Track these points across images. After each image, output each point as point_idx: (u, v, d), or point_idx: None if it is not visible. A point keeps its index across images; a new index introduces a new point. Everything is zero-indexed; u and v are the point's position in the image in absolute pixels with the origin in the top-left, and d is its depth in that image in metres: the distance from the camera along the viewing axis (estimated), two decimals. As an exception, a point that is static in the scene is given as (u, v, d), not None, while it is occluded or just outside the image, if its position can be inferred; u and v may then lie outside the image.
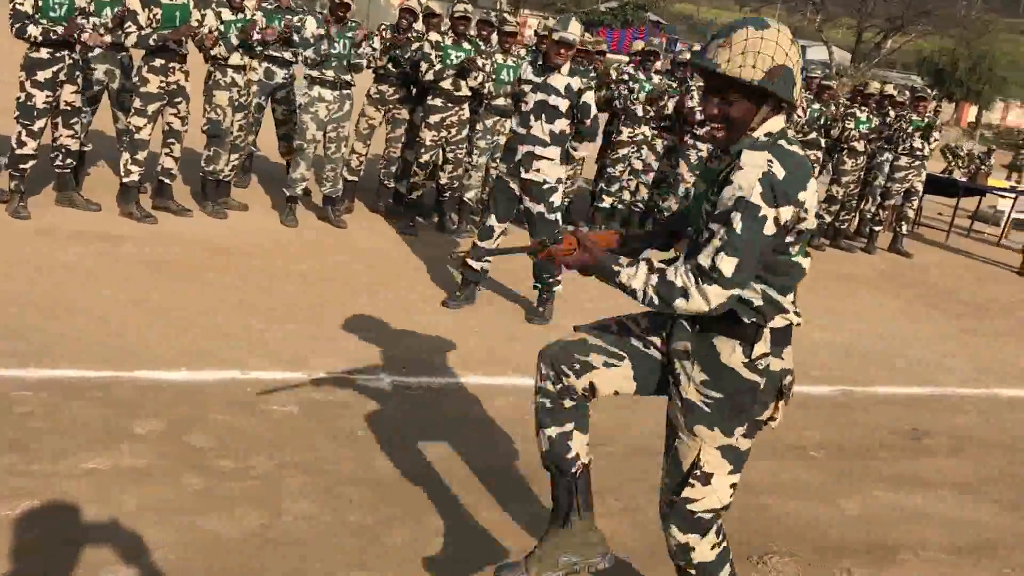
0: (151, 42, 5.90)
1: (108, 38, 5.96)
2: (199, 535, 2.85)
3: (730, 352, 2.23)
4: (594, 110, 5.47)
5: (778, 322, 2.24)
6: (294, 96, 7.38)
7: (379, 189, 7.78)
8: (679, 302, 2.11)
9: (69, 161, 6.13)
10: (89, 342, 4.17)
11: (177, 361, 4.12)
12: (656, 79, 8.24)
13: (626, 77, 8.11)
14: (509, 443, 3.88)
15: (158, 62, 6.03)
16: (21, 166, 5.81)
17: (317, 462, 3.42)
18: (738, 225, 2.05)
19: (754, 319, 2.21)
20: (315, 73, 6.66)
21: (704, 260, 2.09)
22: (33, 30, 5.51)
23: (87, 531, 2.76)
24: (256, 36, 6.44)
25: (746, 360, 2.23)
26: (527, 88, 5.37)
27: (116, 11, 5.99)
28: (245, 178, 7.73)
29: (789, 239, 2.15)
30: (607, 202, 8.40)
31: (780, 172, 2.07)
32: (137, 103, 6.08)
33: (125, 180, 6.21)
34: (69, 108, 5.91)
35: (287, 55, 7.12)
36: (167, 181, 6.52)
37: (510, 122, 5.60)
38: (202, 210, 6.69)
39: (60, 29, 5.56)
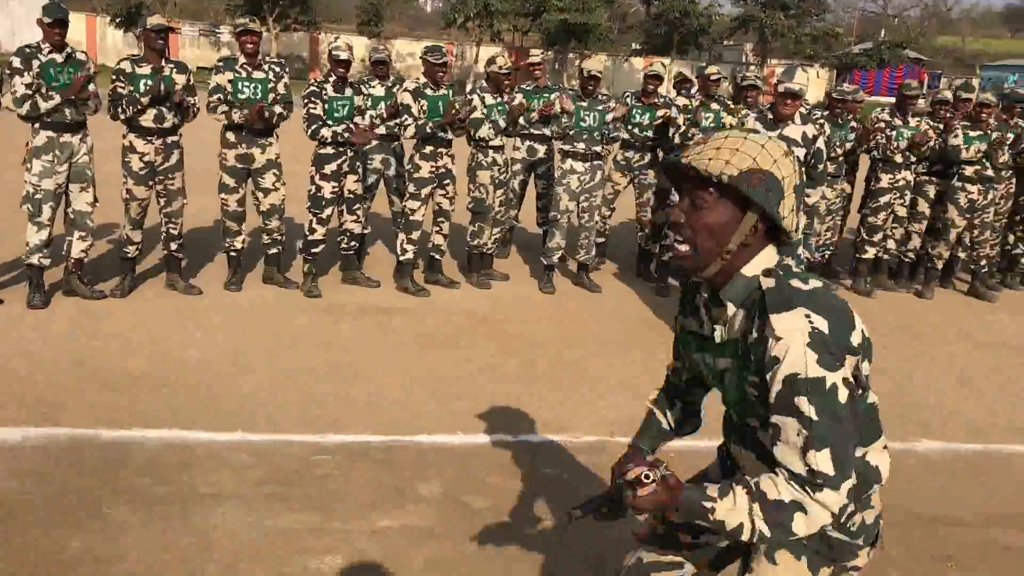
0: (427, 130, 6.43)
1: (382, 129, 6.57)
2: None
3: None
4: (826, 155, 5.44)
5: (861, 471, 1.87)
6: (553, 171, 7.73)
7: (639, 254, 7.92)
8: (799, 523, 1.68)
9: (353, 243, 6.77)
10: (372, 409, 4.54)
11: (453, 426, 4.39)
12: (914, 122, 7.80)
13: (882, 124, 7.75)
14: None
15: (428, 149, 6.55)
16: (313, 250, 6.50)
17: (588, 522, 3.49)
18: (810, 411, 1.66)
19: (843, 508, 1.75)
20: (567, 147, 6.96)
21: (797, 467, 1.68)
22: (326, 132, 6.20)
23: (381, 585, 3.00)
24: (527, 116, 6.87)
25: (833, 527, 1.87)
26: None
27: (388, 103, 6.59)
28: (505, 249, 8.15)
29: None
30: (870, 252, 8.00)
31: (823, 324, 1.67)
32: (411, 188, 6.62)
33: (401, 258, 6.75)
34: (352, 196, 6.55)
35: (547, 132, 7.47)
36: (437, 257, 7.01)
37: None
38: (468, 281, 7.12)
39: (347, 134, 6.21)
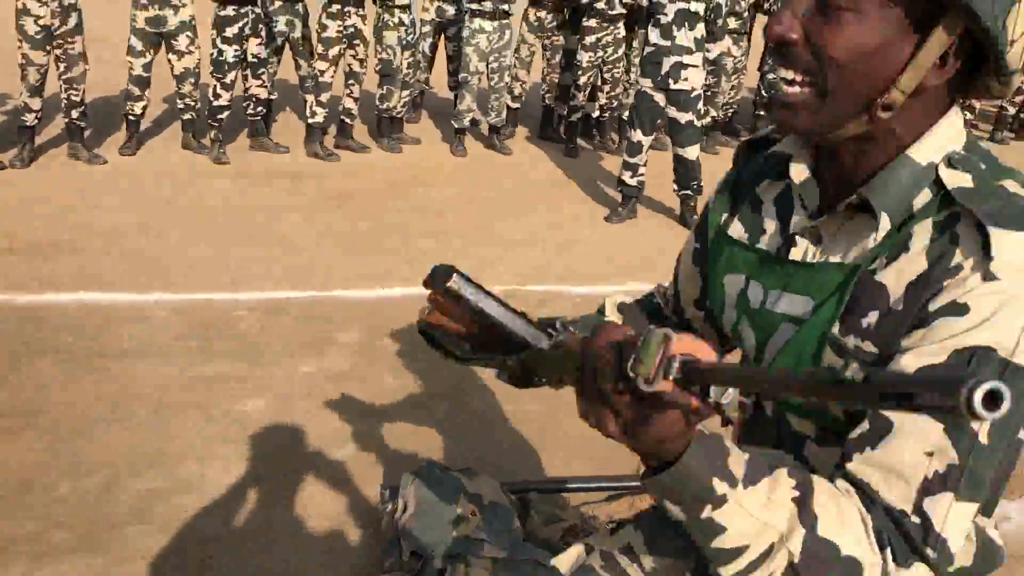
0: None
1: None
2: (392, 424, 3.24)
3: None
4: (725, 10, 5.65)
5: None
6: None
7: (543, 114, 8.00)
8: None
9: (259, 109, 6.68)
10: (288, 267, 4.65)
11: (369, 282, 4.54)
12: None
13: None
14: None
15: (335, 8, 6.44)
16: (219, 116, 6.40)
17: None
18: (983, 429, 0.89)
19: None
20: (474, 6, 6.90)
21: (900, 504, 0.90)
22: (222, -12, 6.02)
23: (307, 422, 3.19)
24: None
25: None
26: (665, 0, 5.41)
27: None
28: (416, 113, 8.13)
29: None
30: (773, 110, 8.24)
31: None
32: (319, 48, 6.53)
33: (310, 121, 6.71)
34: (256, 59, 6.42)
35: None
36: (348, 121, 6.98)
37: (648, 33, 5.60)
38: (379, 146, 7.13)
39: None
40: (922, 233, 0.94)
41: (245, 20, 6.21)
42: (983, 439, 0.89)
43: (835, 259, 1.00)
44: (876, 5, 0.91)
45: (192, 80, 6.30)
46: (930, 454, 0.88)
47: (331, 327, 3.99)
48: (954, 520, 0.89)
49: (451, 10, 7.55)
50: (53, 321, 3.84)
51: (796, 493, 0.87)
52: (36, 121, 5.93)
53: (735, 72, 8.00)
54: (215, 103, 6.36)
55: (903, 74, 0.92)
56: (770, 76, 7.46)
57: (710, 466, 0.84)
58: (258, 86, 6.55)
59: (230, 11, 6.15)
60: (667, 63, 5.46)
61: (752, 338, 1.11)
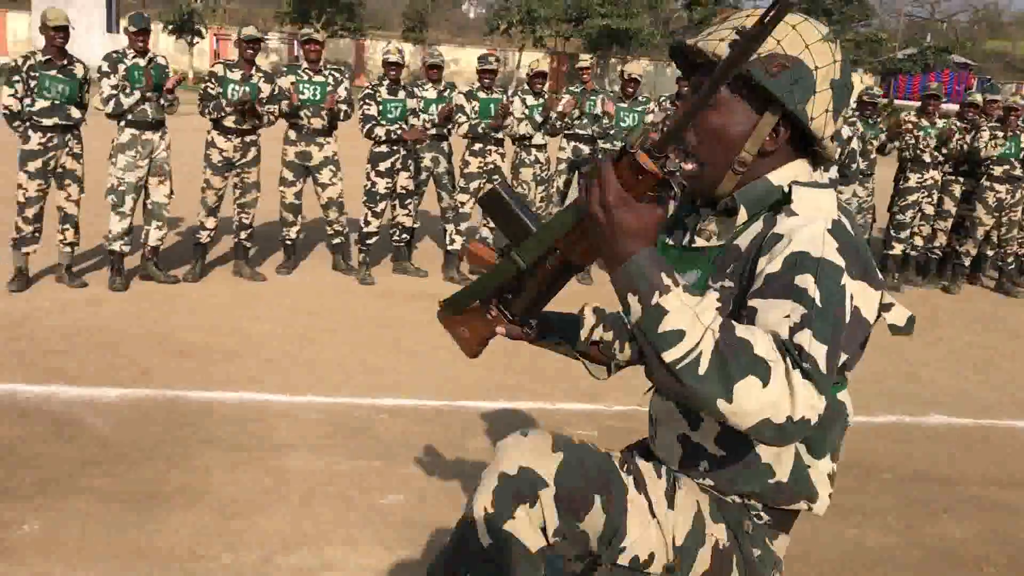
0: (479, 130, 6.93)
1: (433, 130, 7.07)
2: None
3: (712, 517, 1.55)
4: (859, 154, 5.84)
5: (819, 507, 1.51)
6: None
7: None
8: (743, 387, 1.15)
9: (404, 236, 7.27)
10: (425, 378, 5.00)
11: (497, 395, 4.84)
12: (940, 123, 8.11)
13: (910, 125, 8.07)
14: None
15: (478, 146, 7.04)
16: (367, 242, 6.99)
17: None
18: (815, 293, 1.23)
19: (750, 488, 1.49)
20: (607, 146, 7.41)
21: (784, 334, 1.22)
22: (379, 131, 6.70)
23: (440, 517, 3.45)
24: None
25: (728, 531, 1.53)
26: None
27: (442, 107, 7.09)
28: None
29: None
30: (898, 249, 8.32)
31: (850, 227, 1.36)
32: (461, 182, 7.11)
33: (449, 248, 7.23)
34: (404, 191, 7.04)
35: (591, 132, 7.90)
36: (482, 248, 7.46)
37: None
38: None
39: (399, 131, 6.73)
40: (764, 216, 1.42)
41: (396, 156, 6.86)
42: (819, 303, 1.24)
43: (717, 243, 1.47)
44: (726, 99, 1.40)
45: (337, 208, 6.95)
46: (788, 315, 1.24)
47: (463, 434, 4.28)
48: (816, 348, 1.21)
49: (587, 150, 8.07)
50: (218, 415, 4.29)
51: (719, 306, 1.34)
52: (208, 239, 6.65)
53: (859, 211, 8.16)
54: (365, 229, 6.97)
55: (749, 142, 1.41)
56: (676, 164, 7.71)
57: (661, 266, 1.23)
58: (404, 215, 7.14)
59: (384, 148, 6.81)
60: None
61: None
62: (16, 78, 5.83)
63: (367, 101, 6.77)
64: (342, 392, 4.71)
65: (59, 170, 5.99)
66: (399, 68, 6.86)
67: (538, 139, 7.34)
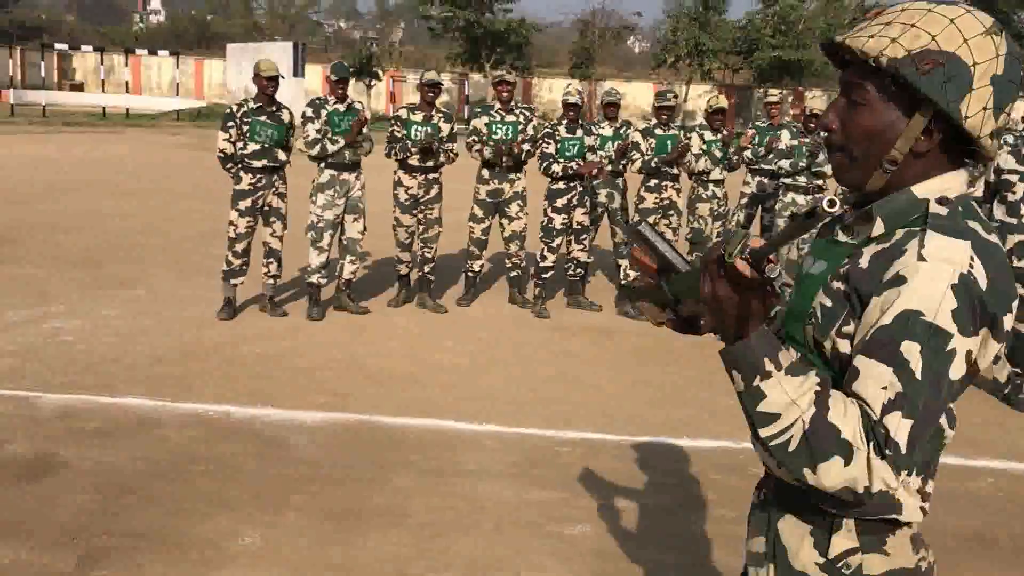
0: (652, 165, 7.01)
1: (608, 167, 7.21)
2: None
3: (799, 543, 1.50)
4: None
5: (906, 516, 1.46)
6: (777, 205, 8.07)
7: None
8: (826, 466, 1.27)
9: (578, 271, 7.40)
10: (601, 411, 5.08)
11: (676, 431, 4.86)
12: None
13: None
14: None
15: (654, 182, 7.12)
16: (543, 276, 7.17)
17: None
18: (917, 366, 1.26)
19: (832, 507, 1.43)
20: (788, 180, 7.33)
21: (876, 410, 1.28)
22: (556, 168, 6.89)
23: (629, 551, 3.51)
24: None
25: (821, 560, 1.47)
26: (1014, 178, 5.44)
27: (618, 144, 7.21)
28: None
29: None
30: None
31: (983, 276, 1.29)
32: (635, 217, 7.19)
33: (624, 283, 7.31)
34: (580, 227, 7.18)
35: (776, 167, 7.83)
36: (656, 283, 7.50)
37: (993, 210, 5.62)
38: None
39: (574, 166, 6.90)
40: (899, 233, 1.36)
41: (572, 192, 7.02)
42: (919, 376, 1.26)
43: (852, 241, 1.44)
44: (875, 97, 1.37)
45: (519, 242, 7.16)
46: (884, 388, 1.26)
47: (642, 469, 4.32)
48: (901, 431, 1.25)
49: (771, 184, 8.01)
50: (408, 441, 4.52)
51: (819, 388, 1.29)
52: (408, 271, 7.06)
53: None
54: (541, 264, 7.15)
55: (899, 142, 1.37)
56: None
57: (767, 350, 1.29)
58: (579, 250, 7.28)
59: (560, 185, 6.99)
60: (1011, 240, 5.46)
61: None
62: (231, 124, 6.38)
63: (546, 140, 6.98)
64: (524, 423, 4.85)
65: (266, 208, 6.49)
66: (577, 108, 7.03)
67: (716, 174, 7.33)
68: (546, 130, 7.05)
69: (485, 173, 7.04)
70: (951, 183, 1.39)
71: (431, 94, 6.83)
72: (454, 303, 7.27)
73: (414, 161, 6.78)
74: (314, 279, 6.64)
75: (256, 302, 6.85)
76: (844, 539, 1.45)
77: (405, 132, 6.79)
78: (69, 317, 6.33)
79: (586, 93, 32.47)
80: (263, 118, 6.38)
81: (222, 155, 6.44)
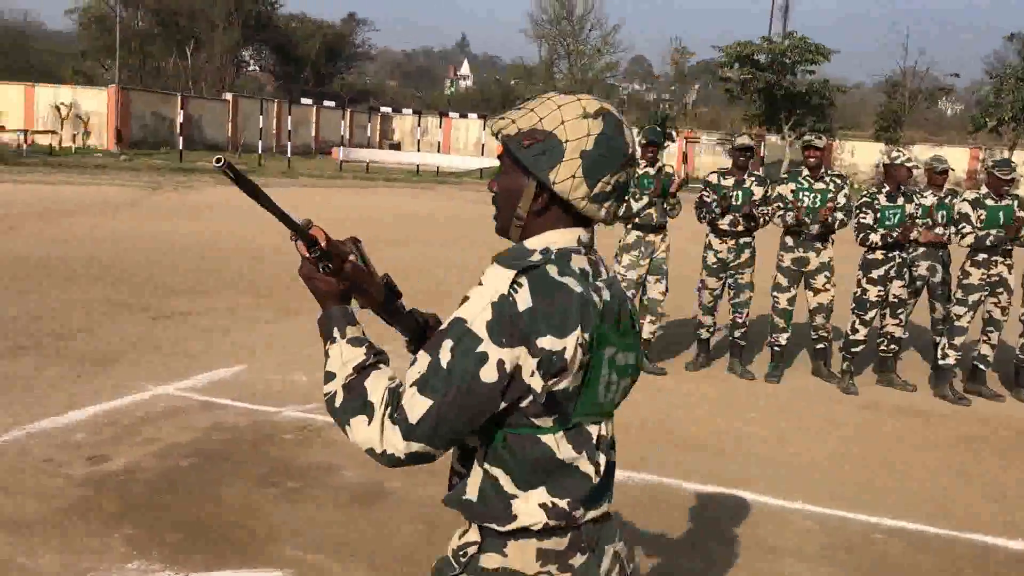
0: (987, 243, 6.49)
1: (936, 230, 6.77)
2: None
3: (457, 531, 1.76)
4: None
5: (518, 524, 1.63)
6: None
7: None
8: (357, 424, 1.56)
9: (892, 346, 6.96)
10: (923, 501, 4.70)
11: (1001, 529, 4.39)
12: None
13: None
14: None
15: (982, 257, 6.57)
16: (853, 349, 6.82)
17: None
18: (444, 357, 1.53)
19: (463, 511, 1.68)
20: None
21: (407, 384, 1.56)
22: (875, 237, 6.57)
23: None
24: None
25: (455, 546, 1.73)
26: None
27: (940, 213, 6.75)
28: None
29: (525, 403, 1.56)
30: None
31: (525, 303, 1.52)
32: (959, 294, 6.67)
33: (941, 363, 6.77)
34: (896, 300, 6.77)
35: None
36: (982, 367, 6.87)
37: None
38: (1013, 396, 6.86)
39: (894, 233, 6.53)
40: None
41: (891, 264, 6.64)
42: (443, 365, 1.52)
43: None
44: (509, 166, 1.65)
45: (825, 314, 6.86)
46: (419, 371, 1.55)
47: (975, 571, 3.94)
48: (415, 405, 1.52)
49: None
50: (712, 509, 4.44)
51: (371, 360, 1.61)
52: (709, 335, 7.04)
53: None
54: (851, 337, 6.81)
55: (521, 203, 1.64)
56: None
57: (340, 323, 1.64)
58: (894, 324, 6.85)
59: (878, 255, 6.64)
60: None
61: None
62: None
63: (864, 210, 6.67)
64: (835, 503, 4.61)
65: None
66: (910, 172, 6.66)
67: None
68: (864, 199, 6.75)
69: (789, 240, 6.86)
70: (558, 238, 1.64)
71: (743, 158, 6.79)
72: (761, 373, 7.07)
73: (724, 225, 6.76)
74: (617, 337, 6.75)
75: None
76: (472, 533, 1.69)
77: (715, 196, 6.79)
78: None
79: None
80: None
81: None
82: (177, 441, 4.82)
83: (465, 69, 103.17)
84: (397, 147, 43.85)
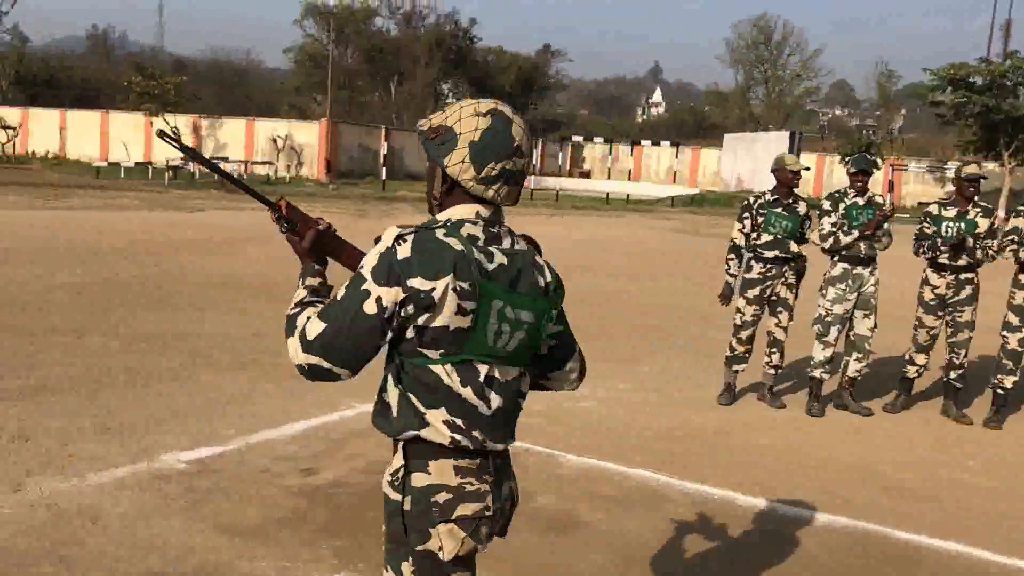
0: None
1: None
2: None
3: (386, 466, 2.13)
4: None
5: (428, 435, 2.02)
6: None
7: None
8: (288, 342, 2.02)
9: None
10: None
11: None
12: None
13: None
14: None
15: None
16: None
17: None
18: (338, 292, 1.99)
19: (383, 428, 2.08)
20: None
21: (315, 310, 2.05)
22: None
23: None
24: None
25: (389, 477, 2.09)
26: None
27: None
28: None
29: (411, 334, 1.98)
30: None
31: (404, 253, 1.95)
32: None
33: None
34: None
35: None
36: None
37: None
38: None
39: None
40: None
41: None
42: (337, 297, 1.98)
43: None
44: (428, 158, 2.06)
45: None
46: (324, 304, 2.05)
47: None
48: (312, 327, 1.97)
49: None
50: (926, 563, 4.14)
51: (309, 299, 2.09)
52: (917, 375, 6.63)
53: None
54: None
55: (435, 186, 2.07)
56: None
57: (304, 273, 2.15)
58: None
59: None
60: None
61: None
62: (746, 215, 6.55)
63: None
64: (1071, 568, 4.18)
65: (773, 298, 6.52)
66: None
67: None
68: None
69: (1022, 279, 6.33)
70: (459, 212, 2.03)
71: (971, 189, 6.35)
72: (981, 421, 6.55)
73: (943, 259, 6.35)
74: (817, 373, 6.48)
75: (755, 390, 6.87)
76: (397, 459, 2.06)
77: (935, 228, 6.39)
78: (589, 386, 6.91)
79: None
80: (779, 210, 6.45)
81: (732, 244, 6.62)
82: (381, 458, 5.02)
83: (657, 96, 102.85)
84: (587, 175, 44.21)
